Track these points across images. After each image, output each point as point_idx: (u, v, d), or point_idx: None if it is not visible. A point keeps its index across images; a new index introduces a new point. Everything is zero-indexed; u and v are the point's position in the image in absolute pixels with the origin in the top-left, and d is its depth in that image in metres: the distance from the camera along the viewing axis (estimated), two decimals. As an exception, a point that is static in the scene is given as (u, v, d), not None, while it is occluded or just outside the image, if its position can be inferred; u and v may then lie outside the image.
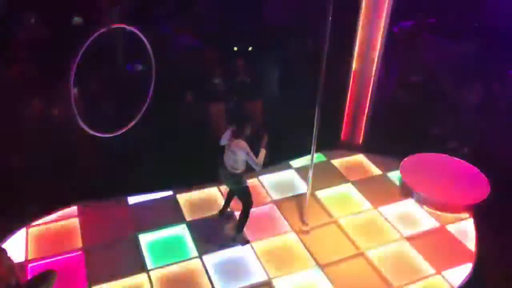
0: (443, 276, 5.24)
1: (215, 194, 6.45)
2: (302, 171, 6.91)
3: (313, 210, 6.05)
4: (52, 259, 5.30)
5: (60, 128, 6.74)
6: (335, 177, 6.95)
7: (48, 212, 5.96)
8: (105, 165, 6.91)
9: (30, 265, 5.21)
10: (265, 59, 8.80)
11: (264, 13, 10.99)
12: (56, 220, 5.88)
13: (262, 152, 5.12)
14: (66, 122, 6.35)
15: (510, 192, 6.43)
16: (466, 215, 6.20)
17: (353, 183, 6.80)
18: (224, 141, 5.28)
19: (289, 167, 7.13)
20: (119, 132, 4.81)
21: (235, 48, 9.16)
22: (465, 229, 5.98)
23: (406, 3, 8.50)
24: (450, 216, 6.18)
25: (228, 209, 6.03)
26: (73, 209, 6.07)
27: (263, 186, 6.64)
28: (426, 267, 5.38)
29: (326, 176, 6.88)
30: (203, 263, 5.32)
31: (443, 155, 7.15)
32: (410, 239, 5.77)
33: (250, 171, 5.48)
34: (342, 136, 7.76)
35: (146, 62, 5.02)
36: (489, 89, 7.75)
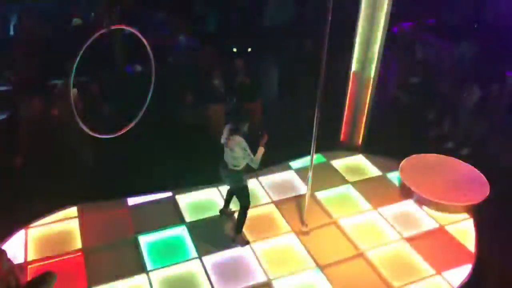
0: (443, 277, 5.25)
1: (214, 195, 6.45)
2: (301, 172, 6.91)
3: (312, 211, 6.05)
4: (52, 260, 5.30)
5: (60, 128, 6.74)
6: (335, 178, 6.95)
7: (48, 213, 5.95)
8: (105, 166, 6.91)
9: (29, 266, 5.21)
10: (264, 60, 8.81)
11: (263, 14, 11.03)
12: (56, 221, 5.87)
13: (260, 150, 5.12)
14: (66, 123, 6.36)
15: (509, 192, 6.44)
16: (465, 215, 6.20)
17: (353, 184, 6.80)
18: (223, 139, 5.29)
19: (289, 168, 7.14)
20: (119, 133, 4.80)
21: (235, 49, 9.17)
22: (464, 229, 5.98)
23: (406, 4, 8.53)
24: (449, 216, 6.18)
25: (229, 209, 6.04)
26: (73, 210, 6.07)
27: (263, 187, 6.64)
28: (426, 268, 5.38)
29: (325, 177, 6.88)
30: (202, 264, 5.32)
31: (443, 156, 7.16)
32: (409, 239, 5.78)
33: (250, 171, 5.48)
34: (341, 137, 7.77)
35: (146, 63, 5.02)
36: (488, 90, 7.75)
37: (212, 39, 9.37)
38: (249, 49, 9.20)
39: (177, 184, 6.57)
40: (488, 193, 6.28)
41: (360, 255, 5.54)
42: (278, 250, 5.58)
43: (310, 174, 5.59)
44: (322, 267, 5.32)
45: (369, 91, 7.16)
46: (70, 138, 6.61)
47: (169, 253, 5.47)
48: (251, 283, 5.11)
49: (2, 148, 6.62)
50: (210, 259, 5.39)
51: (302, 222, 5.85)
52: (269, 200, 6.40)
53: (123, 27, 4.80)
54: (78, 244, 5.55)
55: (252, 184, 6.51)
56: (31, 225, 5.78)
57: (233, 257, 5.46)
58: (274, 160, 7.04)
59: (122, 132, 4.81)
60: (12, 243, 5.49)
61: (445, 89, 8.73)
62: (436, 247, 5.68)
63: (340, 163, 7.30)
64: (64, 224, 5.85)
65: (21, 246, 5.47)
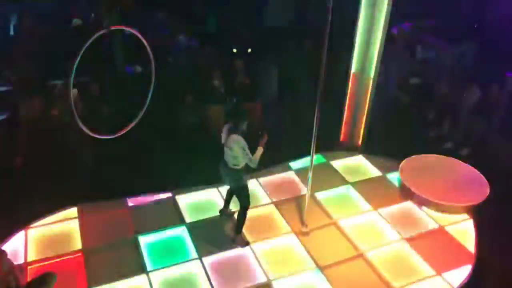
0: (443, 278, 5.25)
1: (214, 195, 6.45)
2: (301, 173, 6.91)
3: (312, 212, 6.05)
4: (52, 261, 5.29)
5: (60, 129, 6.74)
6: (335, 178, 6.95)
7: (48, 214, 5.95)
8: (105, 166, 6.91)
9: (29, 267, 5.20)
10: (264, 60, 8.81)
11: (263, 14, 11.03)
12: (56, 222, 5.87)
13: (259, 150, 5.12)
14: (66, 123, 6.36)
15: (509, 193, 6.44)
16: (465, 216, 6.20)
17: (353, 184, 6.80)
18: (222, 138, 5.29)
19: (289, 168, 7.14)
20: (119, 134, 4.80)
21: (235, 50, 9.18)
22: (464, 230, 5.98)
23: (406, 5, 8.53)
24: (449, 217, 6.18)
25: (228, 209, 6.04)
26: (73, 210, 6.07)
27: (263, 188, 6.64)
28: (426, 269, 5.38)
29: (325, 177, 6.88)
30: (202, 264, 5.31)
31: (443, 156, 7.16)
32: (409, 240, 5.78)
33: (250, 171, 5.47)
34: (341, 137, 7.76)
35: (146, 63, 5.02)
36: (487, 91, 7.76)
37: (212, 39, 9.38)
38: (249, 50, 9.21)
39: (177, 185, 6.57)
40: (488, 193, 6.29)
41: (360, 255, 5.54)
42: (278, 251, 5.58)
43: (310, 174, 5.58)
44: (322, 268, 5.32)
45: (369, 91, 7.16)
46: (70, 139, 6.61)
47: (169, 254, 5.47)
48: (251, 283, 5.10)
49: (2, 148, 6.62)
50: (210, 260, 5.39)
51: (302, 223, 5.85)
52: (269, 201, 6.39)
53: (123, 27, 4.81)
54: (78, 244, 5.55)
55: (252, 184, 6.51)
56: (31, 225, 5.78)
57: (233, 257, 5.46)
58: (274, 160, 7.05)
59: (122, 133, 4.80)
60: (12, 244, 5.48)
61: (445, 89, 8.73)
62: (436, 248, 5.68)
63: (340, 164, 7.29)
64: (64, 225, 5.85)
65: (21, 247, 5.46)
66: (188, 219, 6.01)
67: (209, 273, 5.20)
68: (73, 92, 4.85)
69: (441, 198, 6.24)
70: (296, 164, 7.20)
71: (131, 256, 5.41)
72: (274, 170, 7.02)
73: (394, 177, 6.95)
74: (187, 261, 5.37)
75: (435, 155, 7.18)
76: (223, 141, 5.27)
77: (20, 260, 5.24)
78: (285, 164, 7.20)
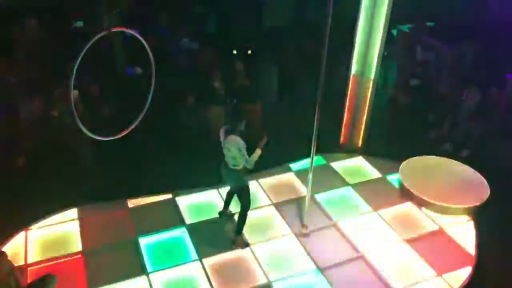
0: (443, 279, 5.25)
1: (214, 197, 6.45)
2: (301, 174, 6.91)
3: (312, 213, 6.05)
4: (52, 262, 5.29)
5: (60, 130, 6.74)
6: (335, 180, 6.95)
7: (48, 215, 5.95)
8: (105, 167, 6.92)
9: (30, 268, 5.20)
10: (264, 61, 8.81)
11: (263, 14, 11.04)
12: (56, 223, 5.87)
13: (257, 152, 5.12)
14: (66, 124, 6.36)
15: (509, 194, 6.45)
16: (465, 217, 6.20)
17: (353, 186, 6.80)
18: (221, 138, 5.29)
19: (289, 170, 7.14)
20: (119, 135, 4.80)
21: (235, 51, 9.18)
22: (464, 232, 5.99)
23: (406, 6, 8.54)
24: (449, 218, 6.18)
25: (228, 210, 6.04)
26: (73, 212, 6.07)
27: (263, 189, 6.64)
28: (426, 270, 5.38)
29: (325, 179, 6.88)
30: (203, 266, 5.32)
31: (442, 158, 7.16)
32: (409, 242, 5.78)
33: (251, 171, 5.47)
34: (341, 139, 7.76)
35: (146, 65, 5.02)
36: (487, 92, 7.76)
37: (212, 41, 9.39)
38: (249, 51, 9.21)
39: (177, 186, 6.57)
40: (488, 195, 6.29)
41: (360, 257, 5.54)
42: (278, 252, 5.57)
43: (310, 176, 5.58)
44: (322, 269, 5.32)
45: (369, 93, 7.16)
46: (70, 140, 6.62)
47: (169, 255, 5.47)
48: (251, 285, 5.10)
49: (2, 148, 6.63)
50: (210, 261, 5.39)
51: (302, 224, 5.85)
52: (269, 202, 6.40)
53: (124, 29, 4.81)
54: (78, 246, 5.55)
55: (252, 186, 6.50)
56: (31, 227, 5.78)
57: (233, 259, 5.46)
58: (274, 162, 7.05)
59: (122, 134, 4.80)
60: (12, 245, 5.48)
61: (445, 91, 8.74)
62: (436, 249, 5.68)
63: (340, 165, 7.30)
64: (64, 226, 5.85)
65: (21, 248, 5.46)
66: (188, 221, 6.01)
67: (209, 274, 5.20)
68: (74, 93, 4.85)
69: (441, 199, 6.24)
70: (296, 166, 7.20)
71: (131, 258, 5.40)
72: (274, 171, 7.02)
73: (394, 178, 6.96)
74: (187, 262, 5.37)
75: (435, 156, 7.18)
76: (221, 139, 5.28)
77: (20, 262, 5.24)
78: (285, 165, 7.20)
